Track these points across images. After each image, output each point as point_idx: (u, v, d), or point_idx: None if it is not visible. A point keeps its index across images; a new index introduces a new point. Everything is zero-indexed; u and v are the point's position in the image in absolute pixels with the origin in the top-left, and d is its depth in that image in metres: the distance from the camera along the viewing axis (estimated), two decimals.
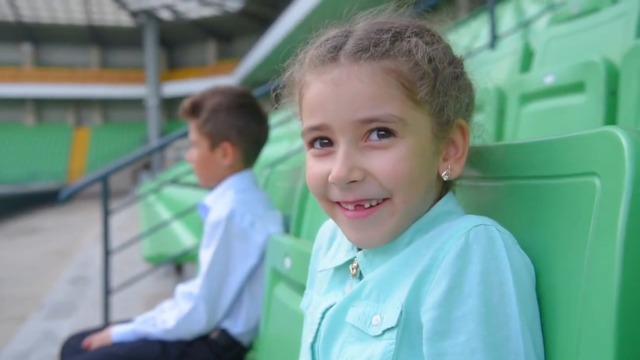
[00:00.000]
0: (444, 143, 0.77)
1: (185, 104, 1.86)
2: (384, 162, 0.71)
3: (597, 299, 0.61)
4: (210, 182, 1.90)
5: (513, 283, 0.65)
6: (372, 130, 0.72)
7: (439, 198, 0.79)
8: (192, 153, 1.87)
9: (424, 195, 0.75)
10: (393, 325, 0.70)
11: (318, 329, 0.83)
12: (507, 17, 5.13)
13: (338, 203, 0.77)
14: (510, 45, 3.21)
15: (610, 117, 1.66)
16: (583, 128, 0.69)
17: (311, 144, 0.77)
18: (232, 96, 1.85)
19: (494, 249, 0.67)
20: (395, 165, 0.71)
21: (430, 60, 0.73)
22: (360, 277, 0.81)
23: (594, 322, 0.61)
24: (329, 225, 0.95)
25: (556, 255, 0.69)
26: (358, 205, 0.74)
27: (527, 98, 2.06)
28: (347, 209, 0.75)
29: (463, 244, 0.67)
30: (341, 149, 0.73)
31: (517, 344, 0.63)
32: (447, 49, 0.78)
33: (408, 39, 0.74)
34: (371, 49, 0.72)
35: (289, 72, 0.82)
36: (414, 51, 0.73)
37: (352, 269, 0.82)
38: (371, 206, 0.74)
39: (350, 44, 0.74)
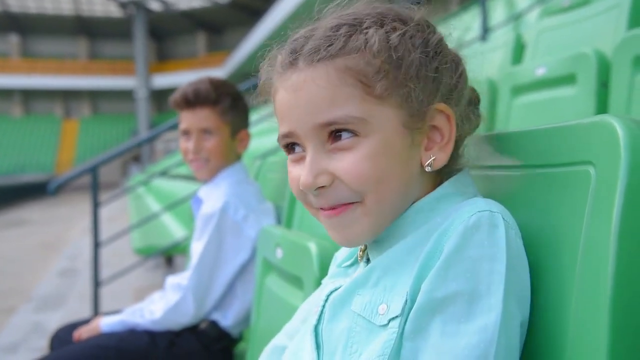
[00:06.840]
0: (424, 132, 0.73)
1: (203, 90, 1.75)
2: (347, 163, 0.70)
3: (591, 290, 0.60)
4: (216, 172, 1.84)
5: (505, 275, 0.63)
6: (333, 132, 0.71)
7: (439, 184, 0.76)
8: (207, 141, 1.78)
9: (402, 192, 0.73)
10: (398, 314, 0.68)
11: (322, 312, 0.82)
12: (498, 10, 5.15)
13: None
14: (502, 38, 3.21)
15: (602, 109, 1.67)
16: (575, 119, 0.68)
17: (287, 149, 0.76)
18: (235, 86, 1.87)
19: (493, 237, 0.65)
20: (357, 165, 0.70)
21: (390, 49, 0.70)
22: (368, 261, 0.80)
23: (587, 321, 0.61)
24: None
25: (550, 245, 0.69)
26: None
27: (518, 90, 2.06)
28: (324, 209, 0.74)
29: (463, 228, 0.66)
30: (308, 154, 0.72)
31: (492, 336, 0.62)
32: (418, 30, 0.73)
33: (365, 31, 0.71)
34: (325, 49, 0.70)
35: (264, 75, 0.79)
36: (369, 44, 0.70)
37: (360, 251, 0.83)
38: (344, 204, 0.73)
39: (308, 46, 0.72)
